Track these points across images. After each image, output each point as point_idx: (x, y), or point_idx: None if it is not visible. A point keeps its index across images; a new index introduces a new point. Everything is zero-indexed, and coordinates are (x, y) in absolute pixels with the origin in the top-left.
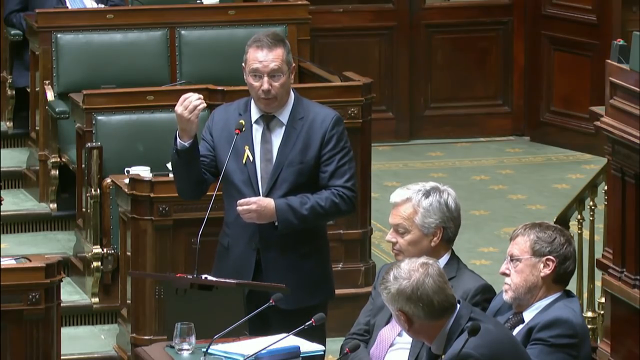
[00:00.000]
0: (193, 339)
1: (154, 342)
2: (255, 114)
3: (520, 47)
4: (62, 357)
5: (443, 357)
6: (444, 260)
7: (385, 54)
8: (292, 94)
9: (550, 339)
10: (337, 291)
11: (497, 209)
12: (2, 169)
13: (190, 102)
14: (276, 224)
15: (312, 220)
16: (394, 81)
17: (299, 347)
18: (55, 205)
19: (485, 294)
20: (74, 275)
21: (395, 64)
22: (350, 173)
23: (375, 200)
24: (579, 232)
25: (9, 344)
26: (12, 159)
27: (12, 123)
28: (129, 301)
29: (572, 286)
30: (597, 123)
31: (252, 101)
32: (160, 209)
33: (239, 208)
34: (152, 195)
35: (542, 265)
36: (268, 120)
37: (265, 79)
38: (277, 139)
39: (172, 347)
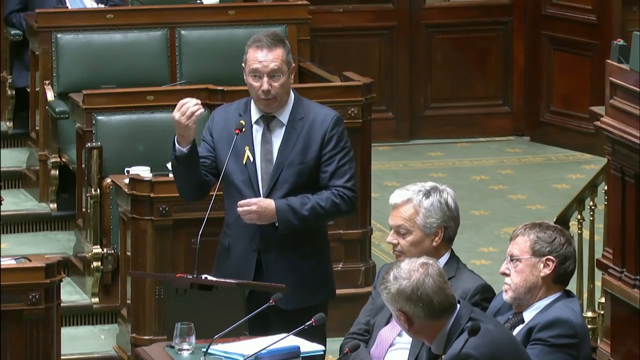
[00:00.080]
0: (193, 339)
1: (154, 342)
2: (255, 114)
3: (520, 47)
4: (62, 357)
5: (443, 357)
6: (443, 260)
7: (385, 54)
8: (292, 94)
9: (550, 339)
10: (337, 291)
11: (497, 209)
12: (2, 169)
13: (188, 107)
14: (277, 224)
15: (313, 221)
16: (394, 81)
17: (299, 347)
18: (55, 205)
19: (484, 294)
20: (74, 275)
21: (395, 64)
22: (351, 173)
23: (375, 200)
24: (579, 232)
25: (9, 344)
26: (12, 159)
27: (12, 123)
28: (129, 301)
29: (572, 286)
30: (597, 123)
31: (252, 101)
32: (160, 209)
33: (240, 209)
34: (152, 195)
35: (542, 265)
36: (268, 120)
37: (265, 79)
38: (277, 139)
39: (172, 347)
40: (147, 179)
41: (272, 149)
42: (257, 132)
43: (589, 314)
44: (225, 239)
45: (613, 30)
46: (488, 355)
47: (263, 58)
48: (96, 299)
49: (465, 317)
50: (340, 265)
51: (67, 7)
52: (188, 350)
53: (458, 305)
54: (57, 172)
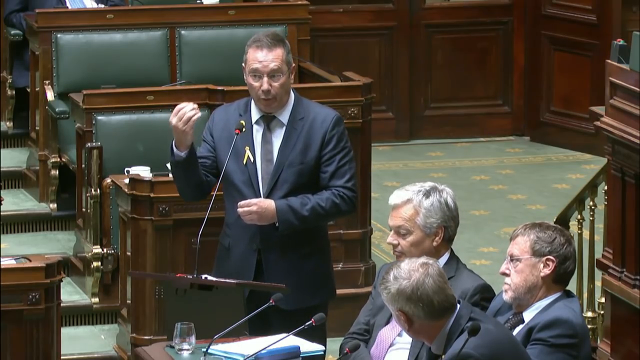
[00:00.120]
0: (193, 339)
1: (154, 342)
2: (255, 114)
3: (520, 47)
4: (62, 357)
5: (443, 357)
6: (443, 259)
7: (385, 54)
8: (292, 94)
9: (550, 339)
10: (337, 291)
11: (497, 209)
12: (2, 169)
13: (185, 113)
14: (277, 225)
15: (313, 221)
16: (394, 81)
17: (299, 347)
18: (55, 205)
19: (483, 294)
20: (74, 275)
21: (395, 64)
22: (351, 173)
23: (375, 200)
24: (579, 232)
25: (9, 344)
26: (12, 159)
27: (12, 123)
28: (129, 301)
29: (572, 286)
30: (597, 123)
31: (252, 101)
32: (160, 209)
33: (240, 209)
34: (152, 195)
35: (542, 265)
36: (268, 120)
37: (265, 79)
38: (277, 139)
39: (172, 347)
40: (147, 179)
41: (273, 149)
42: (258, 132)
43: (589, 314)
44: (225, 239)
45: (613, 30)
46: (488, 355)
47: (263, 58)
48: (96, 299)
49: (465, 317)
50: (340, 265)
51: (67, 7)
52: (188, 350)
53: (458, 305)
54: (57, 172)
